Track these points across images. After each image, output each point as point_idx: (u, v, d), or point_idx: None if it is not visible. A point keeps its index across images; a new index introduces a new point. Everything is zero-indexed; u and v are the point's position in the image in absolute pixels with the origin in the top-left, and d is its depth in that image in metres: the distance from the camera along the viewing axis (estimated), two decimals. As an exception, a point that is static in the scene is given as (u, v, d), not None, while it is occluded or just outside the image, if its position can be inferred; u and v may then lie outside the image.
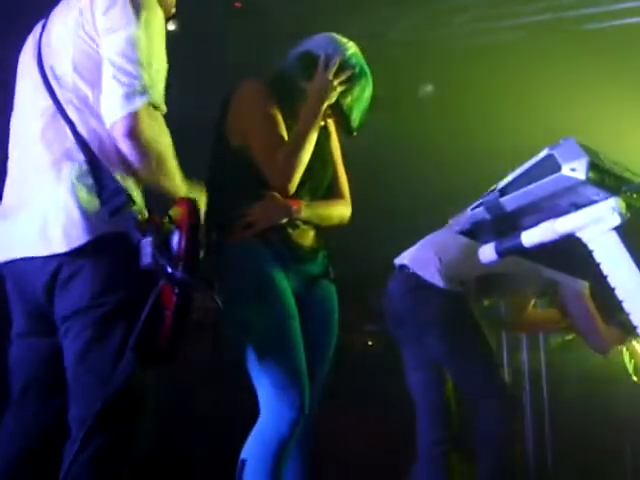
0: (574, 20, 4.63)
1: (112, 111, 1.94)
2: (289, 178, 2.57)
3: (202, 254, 1.96)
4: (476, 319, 3.34)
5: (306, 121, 2.62)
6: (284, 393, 2.44)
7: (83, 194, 1.95)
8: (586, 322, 3.41)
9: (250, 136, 2.60)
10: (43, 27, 2.19)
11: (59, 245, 1.93)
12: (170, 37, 2.18)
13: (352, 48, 2.72)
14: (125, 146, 1.95)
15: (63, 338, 1.97)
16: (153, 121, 1.97)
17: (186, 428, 4.51)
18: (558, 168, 1.53)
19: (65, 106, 2.02)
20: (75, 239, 1.92)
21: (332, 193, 2.80)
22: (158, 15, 2.06)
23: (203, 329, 2.05)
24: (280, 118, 2.64)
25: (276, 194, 2.59)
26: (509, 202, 1.64)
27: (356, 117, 2.72)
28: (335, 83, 2.63)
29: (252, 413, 2.50)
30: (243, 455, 2.46)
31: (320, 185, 2.74)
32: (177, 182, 2.03)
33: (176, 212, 1.95)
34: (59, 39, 2.09)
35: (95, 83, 2.01)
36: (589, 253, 1.61)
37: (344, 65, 2.66)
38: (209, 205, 2.46)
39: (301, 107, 2.66)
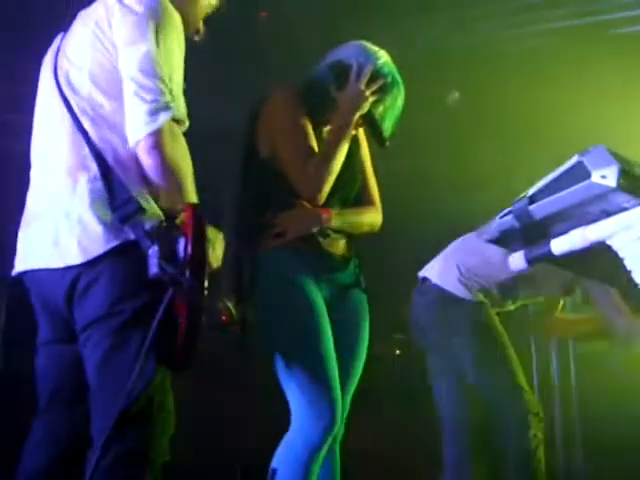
0: (602, 25, 4.59)
1: (136, 129, 1.96)
2: (319, 188, 2.57)
3: (209, 259, 1.95)
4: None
5: (337, 131, 2.62)
6: (315, 402, 2.43)
7: (97, 204, 1.96)
8: (612, 308, 3.37)
9: (280, 146, 2.60)
10: (61, 40, 2.21)
11: (74, 257, 1.95)
12: (195, 47, 2.19)
13: (384, 57, 2.71)
14: (148, 163, 1.97)
15: (82, 347, 1.99)
16: (176, 138, 2.00)
17: (214, 435, 4.51)
18: (588, 175, 1.52)
19: (80, 116, 2.04)
20: (90, 251, 1.94)
21: (362, 201, 2.79)
22: (177, 27, 2.07)
23: (232, 328, 2.05)
24: (310, 128, 2.64)
25: (306, 203, 2.59)
26: (538, 210, 1.63)
27: (388, 127, 2.71)
28: (367, 93, 2.62)
29: (283, 421, 2.49)
30: (274, 464, 2.47)
31: (350, 193, 2.73)
32: (192, 198, 2.03)
33: (181, 218, 1.95)
34: (76, 50, 2.11)
35: (111, 94, 2.03)
36: (620, 261, 1.59)
37: (376, 74, 2.65)
38: (240, 214, 2.47)
39: (332, 116, 2.66)
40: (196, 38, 2.29)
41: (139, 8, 2.01)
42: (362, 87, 2.61)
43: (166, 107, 1.96)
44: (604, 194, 1.53)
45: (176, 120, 2.00)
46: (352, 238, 2.74)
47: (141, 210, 1.92)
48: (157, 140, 1.95)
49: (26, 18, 4.16)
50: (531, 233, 1.68)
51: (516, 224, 1.67)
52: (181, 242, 1.90)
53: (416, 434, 4.80)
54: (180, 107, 2.02)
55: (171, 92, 1.99)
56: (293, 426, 2.48)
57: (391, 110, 2.71)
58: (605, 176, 1.50)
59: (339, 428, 2.52)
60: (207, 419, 4.58)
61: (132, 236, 1.93)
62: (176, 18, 2.07)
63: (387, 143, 2.72)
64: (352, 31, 2.99)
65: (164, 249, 1.88)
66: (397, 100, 2.72)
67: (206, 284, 1.92)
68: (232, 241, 2.06)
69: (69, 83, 2.09)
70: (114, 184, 1.95)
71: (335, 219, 2.63)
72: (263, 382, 2.78)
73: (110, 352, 1.93)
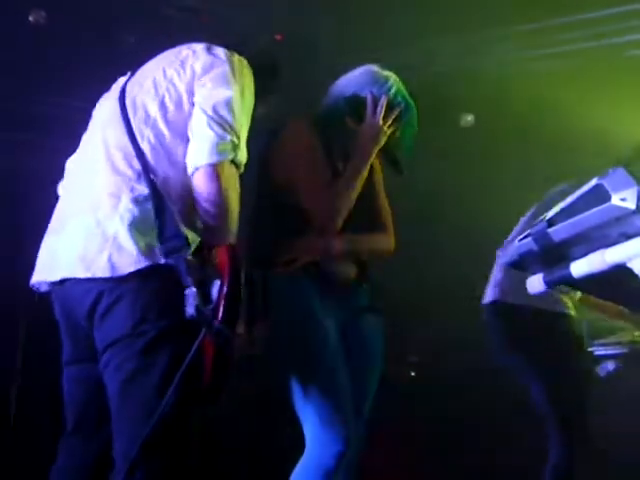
0: (617, 47, 4.59)
1: (199, 156, 2.03)
2: (334, 220, 2.59)
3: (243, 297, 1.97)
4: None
5: (356, 165, 2.64)
6: (329, 426, 2.42)
7: (137, 227, 1.98)
8: None
9: (295, 175, 2.61)
10: (132, 74, 2.29)
11: (102, 270, 1.96)
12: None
13: (395, 83, 2.72)
14: (203, 190, 2.02)
15: (104, 369, 1.99)
16: (233, 177, 2.07)
17: (230, 460, 4.49)
18: (608, 198, 1.50)
19: (140, 140, 2.08)
20: (118, 268, 1.96)
21: (374, 226, 2.79)
22: (251, 83, 2.19)
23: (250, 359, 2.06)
24: (325, 158, 2.65)
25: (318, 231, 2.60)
26: (557, 232, 1.61)
27: (404, 152, 2.74)
28: (385, 127, 2.65)
29: (297, 445, 2.48)
30: (288, 488, 2.45)
31: (362, 219, 2.73)
32: (232, 238, 2.07)
33: (217, 259, 1.97)
34: (153, 82, 2.17)
35: (175, 129, 2.10)
36: (640, 284, 1.58)
37: (391, 104, 2.67)
38: (253, 238, 2.47)
39: (348, 145, 2.67)
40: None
41: (226, 60, 2.15)
42: (380, 122, 2.64)
43: (233, 146, 2.05)
44: (624, 217, 1.51)
45: (235, 164, 2.08)
46: (365, 262, 2.74)
47: (187, 246, 1.94)
48: (217, 171, 2.03)
49: (44, 38, 4.22)
50: (550, 256, 1.66)
51: (535, 247, 1.66)
52: (216, 284, 1.92)
53: (431, 456, 4.78)
54: (242, 153, 2.10)
55: (238, 138, 2.08)
56: (307, 449, 2.48)
57: (406, 134, 2.74)
58: (625, 199, 1.49)
59: (352, 450, 2.51)
60: (252, 451, 4.60)
61: (161, 260, 1.95)
62: (251, 78, 2.20)
63: (404, 173, 2.75)
64: (365, 56, 3.00)
65: (201, 290, 1.90)
66: (411, 124, 2.74)
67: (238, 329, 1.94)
68: (244, 263, 2.06)
69: (134, 106, 2.15)
70: (166, 214, 1.98)
71: (345, 246, 2.64)
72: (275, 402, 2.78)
73: (133, 375, 1.94)
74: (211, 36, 2.37)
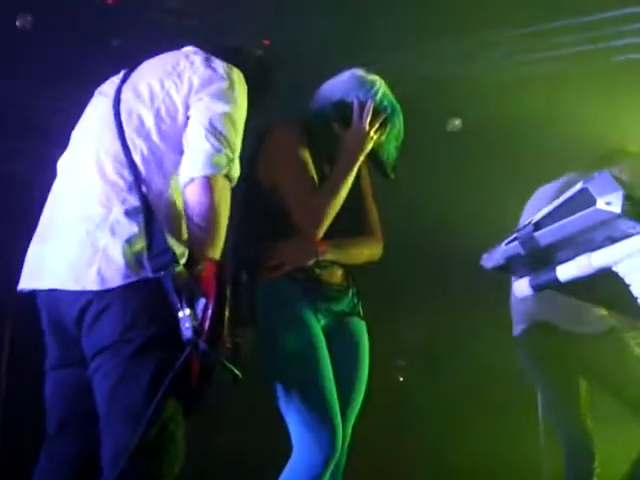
0: (610, 51, 4.59)
1: (194, 167, 2.03)
2: (320, 225, 2.59)
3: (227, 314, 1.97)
4: None
5: (342, 171, 2.64)
6: (316, 431, 2.42)
7: (129, 240, 1.97)
8: None
9: (282, 180, 2.62)
10: (125, 76, 2.26)
11: (91, 283, 1.95)
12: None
13: (381, 87, 2.72)
14: (195, 201, 2.02)
15: (92, 375, 1.98)
16: (225, 191, 2.07)
17: (217, 467, 4.48)
18: (593, 202, 1.51)
19: (132, 151, 2.07)
20: (107, 281, 1.95)
21: (362, 230, 2.79)
22: (246, 97, 2.19)
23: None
24: (312, 162, 2.66)
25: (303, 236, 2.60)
26: (544, 236, 1.62)
27: (390, 156, 2.74)
28: (372, 133, 2.65)
29: (284, 451, 2.48)
30: (276, 493, 2.45)
31: (349, 224, 2.72)
32: (218, 252, 2.06)
33: (203, 275, 1.96)
34: (149, 91, 2.16)
35: (169, 141, 2.09)
36: (626, 287, 1.58)
37: (377, 109, 2.67)
38: (237, 244, 2.47)
39: (334, 150, 2.68)
40: None
41: (225, 76, 2.15)
42: (366, 127, 2.65)
43: (227, 160, 2.06)
44: (609, 220, 1.52)
45: (228, 178, 2.08)
46: (350, 267, 2.74)
47: (175, 263, 1.93)
48: (211, 183, 2.03)
49: (46, 51, 4.22)
50: (536, 260, 1.67)
51: (521, 251, 1.66)
52: (201, 302, 1.92)
53: (420, 461, 4.78)
54: (235, 169, 2.11)
55: (233, 152, 2.09)
56: (294, 455, 2.47)
57: (392, 138, 2.74)
58: (610, 202, 1.49)
59: (341, 455, 2.51)
60: (238, 458, 4.58)
61: (149, 275, 1.94)
62: (246, 92, 2.20)
63: (391, 176, 2.75)
64: (355, 60, 3.00)
65: (192, 310, 1.89)
66: (397, 127, 2.75)
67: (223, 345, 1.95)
68: (229, 267, 2.06)
69: (129, 115, 2.13)
70: (155, 229, 1.97)
71: (331, 251, 2.64)
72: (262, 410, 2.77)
73: (121, 381, 1.93)
74: (196, 38, 2.37)
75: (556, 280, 1.65)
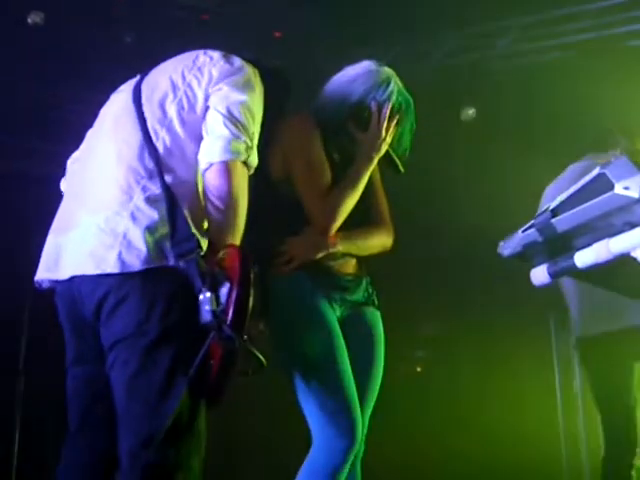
0: (618, 37, 4.57)
1: (213, 153, 2.05)
2: (333, 223, 2.58)
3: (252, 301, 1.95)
4: None
5: (358, 172, 2.64)
6: (336, 421, 2.41)
7: (150, 227, 1.98)
8: None
9: (295, 174, 2.61)
10: (145, 73, 2.29)
11: (111, 266, 1.96)
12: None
13: (395, 84, 2.72)
14: (215, 186, 2.03)
15: (110, 367, 1.99)
16: (244, 177, 2.09)
17: (237, 457, 4.50)
18: (611, 187, 1.50)
19: (154, 139, 2.09)
20: (128, 265, 1.95)
21: (372, 220, 2.79)
22: (262, 95, 2.21)
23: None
24: (326, 159, 2.65)
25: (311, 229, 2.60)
26: (561, 222, 1.61)
27: (402, 154, 2.75)
28: (388, 138, 2.66)
29: (304, 443, 2.48)
30: (297, 486, 2.45)
31: (360, 215, 2.72)
32: (239, 238, 2.08)
33: (227, 261, 1.96)
34: (170, 83, 2.18)
35: (190, 131, 2.10)
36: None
37: (393, 110, 2.68)
38: (248, 236, 2.47)
39: (348, 146, 2.68)
40: None
41: (242, 68, 2.19)
42: (383, 133, 2.65)
43: (245, 148, 2.08)
44: (627, 205, 1.51)
45: (247, 166, 2.10)
46: (363, 257, 2.74)
47: (199, 249, 1.94)
48: (229, 168, 2.04)
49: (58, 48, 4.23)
50: (554, 246, 1.66)
51: (539, 237, 1.65)
52: (225, 287, 1.91)
53: (437, 450, 4.78)
54: (254, 157, 2.13)
55: (252, 140, 2.11)
56: (314, 447, 2.46)
57: (405, 133, 2.74)
58: (628, 187, 1.48)
59: (360, 446, 2.51)
60: (259, 448, 4.59)
61: (171, 262, 1.95)
62: (262, 91, 2.22)
63: (403, 171, 2.76)
64: (367, 50, 2.99)
65: (213, 294, 1.89)
66: (411, 121, 2.75)
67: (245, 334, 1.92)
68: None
69: (151, 105, 2.15)
70: (178, 216, 1.98)
71: (342, 243, 2.64)
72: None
73: (139, 372, 1.93)
74: (210, 34, 2.38)
75: (574, 267, 1.64)
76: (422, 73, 4.60)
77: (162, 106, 2.14)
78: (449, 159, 5.01)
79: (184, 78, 2.17)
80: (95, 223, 2.02)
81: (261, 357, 1.95)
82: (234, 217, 2.05)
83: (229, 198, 2.03)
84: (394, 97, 2.70)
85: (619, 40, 4.62)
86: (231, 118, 2.08)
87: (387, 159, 2.75)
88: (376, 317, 2.74)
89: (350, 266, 2.69)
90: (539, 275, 1.73)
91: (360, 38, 4.44)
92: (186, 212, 1.99)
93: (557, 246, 1.66)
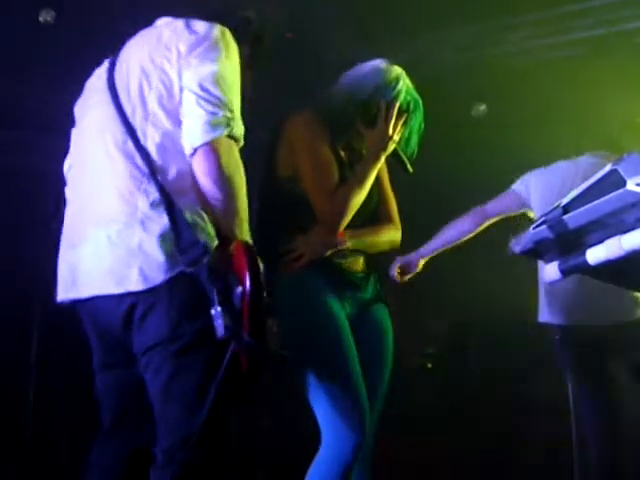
0: (629, 33, 4.55)
1: (194, 137, 1.97)
2: (341, 221, 2.59)
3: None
4: None
5: (366, 170, 2.65)
6: (345, 418, 2.43)
7: (161, 234, 1.94)
8: None
9: (303, 171, 2.61)
10: (113, 63, 2.20)
11: (134, 284, 1.94)
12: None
13: (404, 83, 2.72)
14: (203, 170, 1.96)
15: (144, 372, 1.99)
16: (232, 151, 2.00)
17: (248, 456, 4.50)
18: (623, 183, 1.49)
19: (142, 140, 2.02)
20: (151, 279, 1.93)
21: (381, 218, 2.79)
22: (236, 53, 2.11)
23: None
24: (334, 156, 2.66)
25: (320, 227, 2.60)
26: (573, 219, 1.60)
27: (410, 153, 2.75)
28: (395, 136, 2.66)
29: (313, 439, 2.48)
30: (307, 481, 2.45)
31: (365, 213, 2.72)
32: (244, 224, 2.02)
33: (235, 262, 1.93)
34: (141, 71, 2.09)
35: (173, 116, 2.03)
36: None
37: (401, 109, 2.69)
38: (257, 234, 2.47)
39: (355, 144, 2.69)
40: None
41: (208, 35, 2.07)
42: (390, 131, 2.66)
43: (226, 122, 1.99)
44: (639, 202, 1.50)
45: (233, 138, 2.01)
46: (371, 254, 2.74)
47: (206, 254, 1.90)
48: (214, 148, 1.96)
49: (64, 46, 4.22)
50: (565, 243, 1.65)
51: (550, 234, 1.64)
52: (238, 291, 1.88)
53: (449, 447, 4.77)
54: (238, 126, 2.03)
55: (231, 111, 2.01)
56: (324, 443, 2.48)
57: (414, 132, 2.75)
58: (640, 184, 1.47)
59: (369, 441, 2.51)
60: (270, 444, 4.59)
61: (185, 268, 1.92)
62: (236, 49, 2.12)
63: (411, 170, 2.76)
64: (377, 47, 2.99)
65: (225, 304, 1.86)
66: (419, 120, 2.77)
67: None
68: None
69: (131, 103, 2.07)
70: (178, 220, 1.93)
71: (350, 240, 2.65)
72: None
73: (173, 376, 1.93)
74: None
75: (586, 263, 1.63)
76: (432, 70, 4.58)
77: (142, 99, 2.06)
78: (459, 155, 4.99)
79: (153, 62, 2.08)
80: (104, 236, 1.99)
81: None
82: (232, 200, 1.98)
83: (221, 180, 1.96)
84: (402, 96, 2.70)
85: (630, 36, 4.60)
86: (204, 95, 1.99)
87: (396, 157, 2.75)
88: (384, 313, 2.75)
89: (359, 263, 2.70)
90: (551, 272, 1.72)
91: (371, 36, 4.43)
92: (186, 211, 1.95)
93: (568, 243, 1.65)
